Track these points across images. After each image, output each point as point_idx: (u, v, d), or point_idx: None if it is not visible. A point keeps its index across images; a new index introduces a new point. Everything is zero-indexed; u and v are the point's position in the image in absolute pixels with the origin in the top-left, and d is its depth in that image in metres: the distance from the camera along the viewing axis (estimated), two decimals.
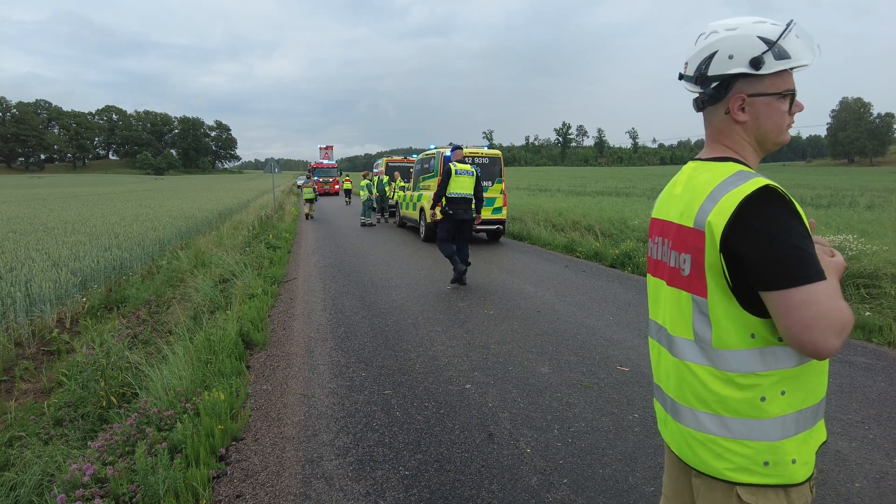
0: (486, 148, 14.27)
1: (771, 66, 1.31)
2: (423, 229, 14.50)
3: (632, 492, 3.01)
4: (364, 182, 21.96)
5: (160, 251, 13.11)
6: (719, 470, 1.34)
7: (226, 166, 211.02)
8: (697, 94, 1.43)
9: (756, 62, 1.31)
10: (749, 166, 1.38)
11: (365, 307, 7.14)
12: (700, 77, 1.39)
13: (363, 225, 18.88)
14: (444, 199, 8.42)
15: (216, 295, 7.85)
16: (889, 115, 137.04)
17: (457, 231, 8.53)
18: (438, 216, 9.15)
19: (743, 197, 1.23)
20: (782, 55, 1.31)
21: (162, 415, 3.82)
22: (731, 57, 1.33)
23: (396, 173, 20.88)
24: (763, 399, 1.28)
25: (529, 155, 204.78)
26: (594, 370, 4.84)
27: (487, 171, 13.77)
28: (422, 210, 14.59)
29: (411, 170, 20.07)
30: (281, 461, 3.42)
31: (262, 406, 4.28)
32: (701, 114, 1.48)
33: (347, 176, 36.83)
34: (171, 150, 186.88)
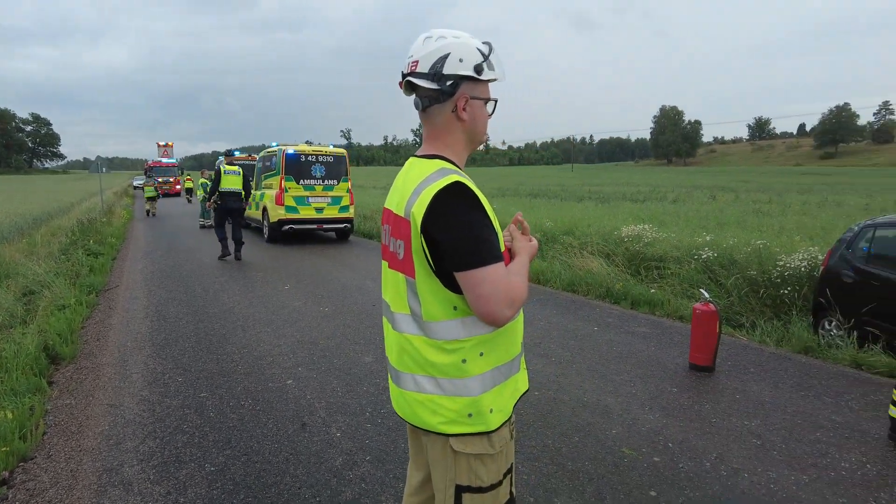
0: (331, 146, 14.25)
1: (487, 74, 1.59)
2: (267, 230, 14.12)
3: None
4: (202, 181, 20.69)
5: None
6: (434, 424, 1.55)
7: (46, 166, 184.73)
8: (427, 93, 1.60)
9: (478, 68, 1.57)
10: (454, 162, 1.63)
11: (191, 313, 6.87)
12: (436, 74, 1.56)
13: (202, 227, 17.79)
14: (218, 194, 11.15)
15: (17, 308, 7.05)
16: (697, 121, 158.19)
17: (229, 217, 11.39)
18: (213, 206, 11.70)
19: (436, 191, 1.47)
20: (490, 67, 1.61)
21: None
22: (461, 60, 1.55)
23: (204, 171, 20.01)
24: (464, 361, 1.52)
25: (388, 154, 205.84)
26: None
27: (333, 169, 13.77)
28: (265, 210, 14.19)
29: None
30: (75, 475, 3.27)
31: (62, 421, 4.01)
32: (424, 115, 1.68)
33: (189, 175, 34.34)
34: None
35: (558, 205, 20.26)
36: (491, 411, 1.54)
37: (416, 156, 1.69)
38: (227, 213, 11.35)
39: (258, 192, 15.08)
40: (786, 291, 7.25)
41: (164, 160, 44.15)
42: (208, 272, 9.73)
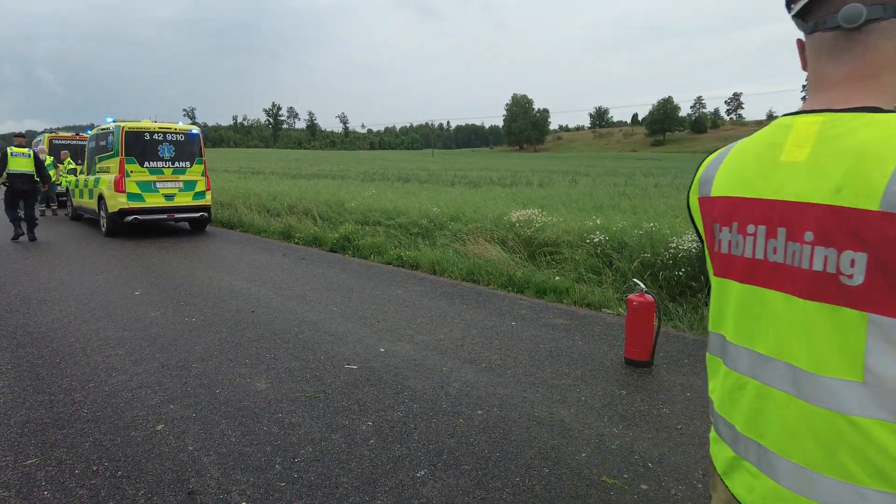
0: (179, 123, 12.33)
1: None
2: (105, 221, 11.91)
3: None
4: None
5: None
6: None
7: None
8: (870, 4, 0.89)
9: None
10: None
11: (6, 335, 5.23)
12: None
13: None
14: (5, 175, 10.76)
15: None
16: (546, 110, 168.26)
17: (20, 199, 11.02)
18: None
19: None
20: None
21: None
22: None
23: (65, 153, 16.89)
24: None
25: (239, 136, 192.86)
26: (319, 374, 4.26)
27: (184, 150, 11.93)
28: (101, 198, 11.94)
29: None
30: None
31: None
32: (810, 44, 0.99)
33: None
34: None
35: (433, 189, 19.81)
36: None
37: (824, 110, 0.94)
38: (17, 195, 11.02)
39: (92, 177, 12.68)
40: (681, 273, 7.37)
41: None
42: (27, 277, 7.75)
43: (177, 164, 11.81)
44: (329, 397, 3.87)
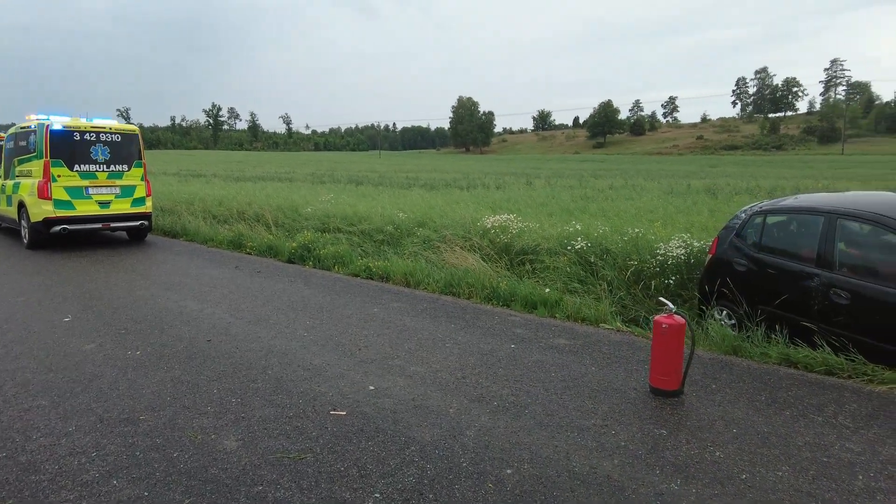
0: (114, 122, 11.08)
1: None
2: (27, 232, 10.55)
3: None
4: None
5: None
6: None
7: None
8: None
9: None
10: None
11: None
12: None
13: None
14: None
15: None
16: (491, 112, 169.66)
17: None
18: None
19: None
20: None
21: None
22: None
23: None
24: None
25: (177, 137, 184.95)
26: (301, 424, 3.50)
27: (121, 151, 10.72)
28: (22, 205, 10.57)
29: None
30: None
31: None
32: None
33: None
34: None
35: (390, 192, 19.03)
36: None
37: None
38: None
39: (10, 182, 11.24)
40: (671, 281, 6.98)
41: None
42: None
43: (113, 167, 10.59)
44: (318, 458, 3.12)
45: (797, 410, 3.76)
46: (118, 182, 10.65)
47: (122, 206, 10.71)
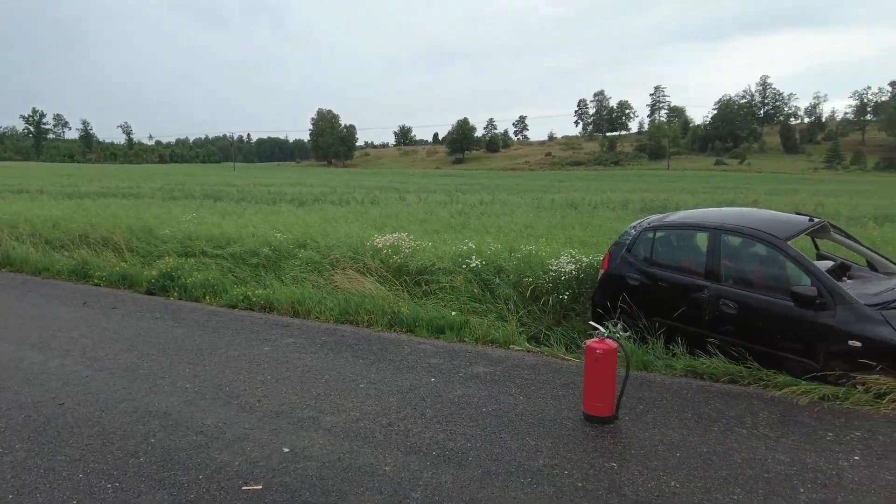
0: None
1: None
2: None
3: None
4: None
5: None
6: None
7: None
8: None
9: None
10: None
11: None
12: None
13: None
14: None
15: None
16: (352, 126, 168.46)
17: None
18: None
19: None
20: None
21: None
22: None
23: None
24: None
25: None
26: None
27: None
28: None
29: None
30: None
31: None
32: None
33: None
34: None
35: (256, 209, 17.71)
36: None
37: None
38: None
39: None
40: (565, 297, 7.07)
41: None
42: None
43: None
44: None
45: (723, 425, 3.84)
46: None
47: None
